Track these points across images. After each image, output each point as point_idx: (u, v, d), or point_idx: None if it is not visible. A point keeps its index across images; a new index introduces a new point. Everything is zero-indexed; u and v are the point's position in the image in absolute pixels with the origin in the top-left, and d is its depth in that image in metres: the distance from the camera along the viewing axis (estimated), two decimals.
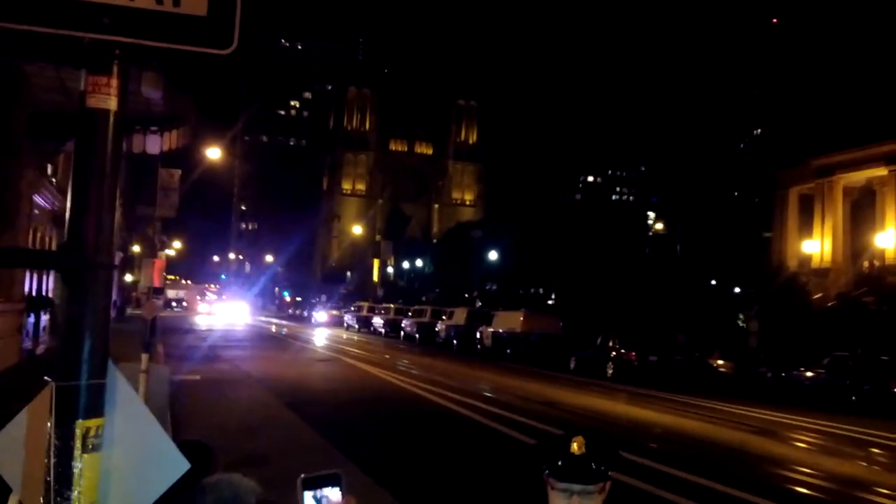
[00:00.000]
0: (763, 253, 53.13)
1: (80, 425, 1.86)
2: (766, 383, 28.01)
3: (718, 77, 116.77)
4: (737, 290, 52.16)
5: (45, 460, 1.87)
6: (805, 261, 46.84)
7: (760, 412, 21.24)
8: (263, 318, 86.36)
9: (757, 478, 12.33)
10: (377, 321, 59.23)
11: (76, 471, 1.85)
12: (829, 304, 39.60)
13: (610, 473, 2.54)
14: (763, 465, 13.71)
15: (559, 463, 2.48)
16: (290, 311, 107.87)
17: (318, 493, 1.56)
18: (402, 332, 52.85)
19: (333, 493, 1.57)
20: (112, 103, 1.96)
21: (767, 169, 61.01)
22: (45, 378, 1.90)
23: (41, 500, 1.88)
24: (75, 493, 1.86)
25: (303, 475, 1.56)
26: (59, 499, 1.84)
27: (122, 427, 1.97)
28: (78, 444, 1.86)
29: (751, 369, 29.79)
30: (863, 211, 44.69)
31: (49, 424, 1.88)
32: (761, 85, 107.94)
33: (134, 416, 2.01)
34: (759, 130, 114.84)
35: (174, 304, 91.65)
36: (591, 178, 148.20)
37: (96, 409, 1.90)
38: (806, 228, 47.50)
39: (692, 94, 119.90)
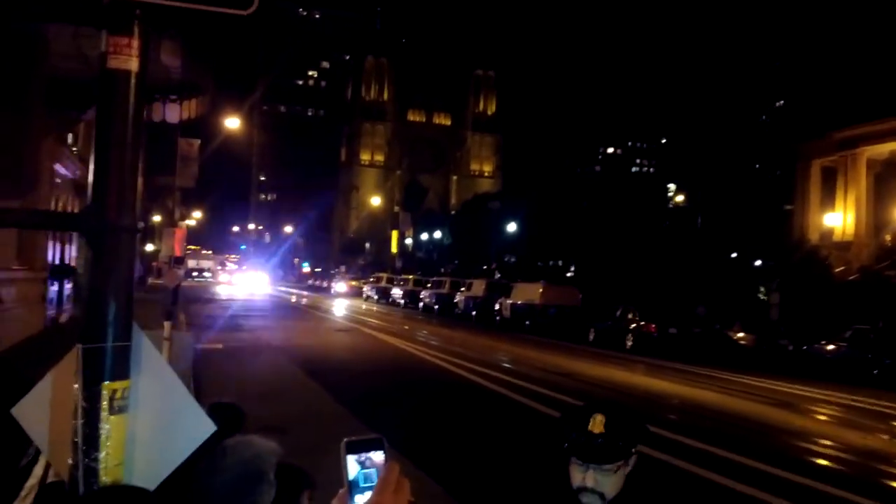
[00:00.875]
0: (784, 226, 52.74)
1: (107, 387, 1.87)
2: (786, 356, 27.91)
3: (740, 47, 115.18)
4: (757, 262, 51.84)
5: (73, 422, 1.88)
6: (827, 234, 46.45)
7: (781, 385, 21.19)
8: (283, 289, 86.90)
9: (776, 449, 12.32)
10: (396, 292, 59.41)
11: (103, 432, 1.86)
12: (851, 278, 39.31)
13: (635, 449, 2.52)
14: (783, 436, 13.69)
15: (579, 440, 2.47)
16: (309, 281, 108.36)
17: (362, 456, 1.55)
18: (420, 304, 53.01)
19: (377, 457, 1.55)
20: (133, 64, 1.94)
21: (789, 141, 60.31)
22: (77, 345, 1.90)
23: (69, 461, 1.89)
24: (102, 454, 1.86)
25: (346, 439, 1.55)
26: (86, 460, 1.85)
27: (147, 389, 1.98)
28: (104, 405, 1.86)
29: (771, 342, 29.65)
30: (886, 184, 44.19)
31: (76, 386, 1.88)
32: (783, 56, 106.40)
33: (159, 378, 2.02)
34: (780, 102, 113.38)
35: (195, 273, 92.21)
36: (610, 150, 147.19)
37: (122, 371, 1.90)
38: (828, 201, 47.05)
39: (713, 65, 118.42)
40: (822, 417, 16.88)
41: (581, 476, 2.47)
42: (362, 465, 1.54)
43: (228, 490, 2.20)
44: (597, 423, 2.45)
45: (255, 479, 2.25)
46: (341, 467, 1.54)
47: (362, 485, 1.52)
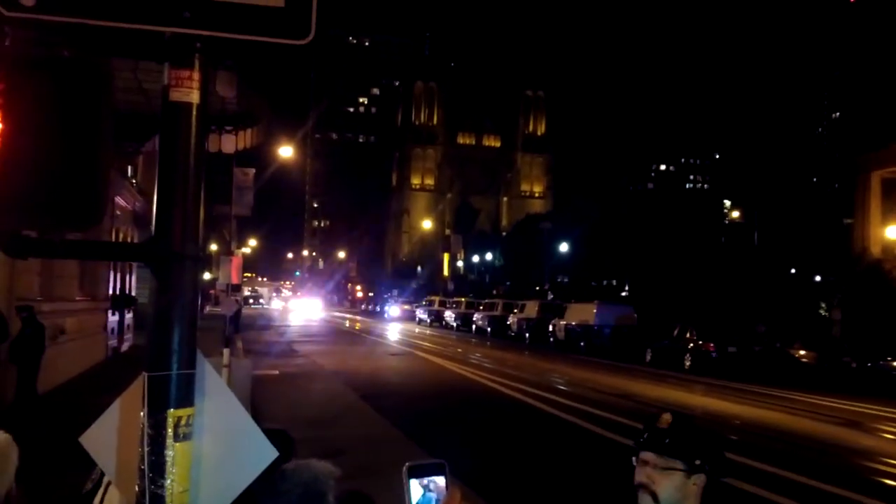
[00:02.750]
0: (844, 240, 51.42)
1: (172, 414, 1.89)
2: (850, 374, 27.11)
3: (795, 60, 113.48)
4: (817, 278, 50.68)
5: (139, 449, 1.91)
6: (889, 247, 45.16)
7: (845, 403, 20.59)
8: (337, 314, 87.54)
9: (846, 470, 11.95)
10: (448, 315, 59.40)
11: (169, 459, 1.89)
12: None
13: (704, 467, 2.48)
14: (851, 457, 13.28)
15: (644, 435, 2.49)
16: (362, 306, 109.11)
17: (424, 480, 1.55)
18: (473, 326, 52.89)
19: (439, 482, 1.55)
20: (195, 96, 1.99)
21: (848, 153, 59.06)
22: (143, 372, 1.93)
23: (136, 488, 1.91)
24: (168, 480, 1.89)
25: (408, 463, 1.55)
26: (153, 486, 1.87)
27: (211, 416, 2.00)
28: (170, 432, 1.89)
29: (834, 359, 28.84)
30: None
31: (142, 414, 1.91)
32: (840, 66, 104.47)
33: (223, 406, 2.04)
34: (837, 114, 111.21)
35: (251, 300, 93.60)
36: (663, 167, 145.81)
37: (187, 398, 1.93)
38: (889, 214, 45.77)
39: (768, 78, 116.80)
40: (891, 436, 16.33)
41: (638, 472, 2.46)
42: (425, 488, 1.54)
43: None
44: (663, 420, 2.47)
45: (316, 501, 2.26)
46: (404, 491, 1.54)
47: None
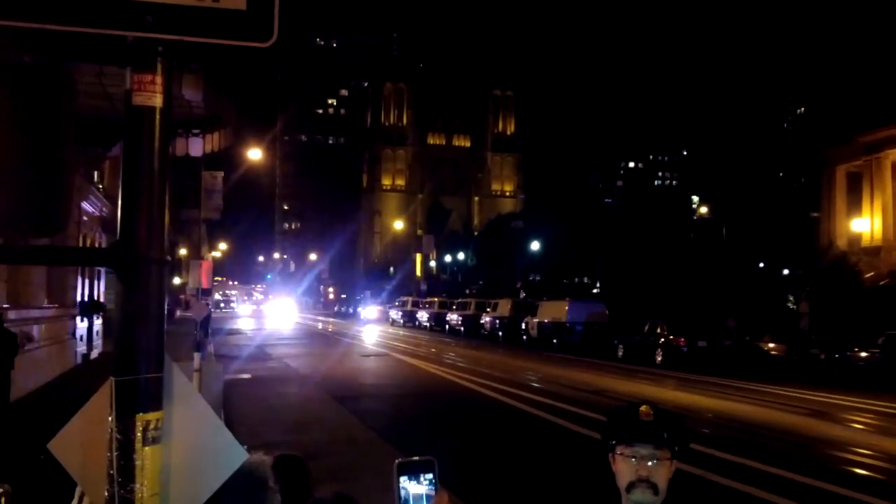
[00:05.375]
0: (811, 233, 52.16)
1: (141, 419, 1.89)
2: (819, 365, 27.49)
3: (760, 56, 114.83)
4: (785, 271, 51.31)
5: (108, 454, 1.91)
6: (855, 239, 45.87)
7: (814, 394, 20.89)
8: (310, 316, 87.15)
9: (814, 460, 12.13)
10: (422, 315, 59.39)
11: (138, 463, 1.88)
12: (882, 283, 38.76)
13: (680, 449, 2.51)
14: (820, 447, 13.48)
15: (627, 429, 2.47)
16: (335, 308, 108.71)
17: (413, 477, 1.56)
18: (446, 326, 52.93)
19: (426, 479, 1.56)
20: (157, 100, 1.99)
21: (813, 148, 59.86)
22: (110, 377, 1.93)
23: (105, 493, 1.91)
24: (138, 484, 1.88)
25: (398, 460, 1.56)
26: (122, 491, 1.87)
27: (181, 419, 2.00)
28: (139, 436, 1.89)
29: (803, 351, 29.22)
30: None
31: (110, 419, 1.91)
32: (804, 62, 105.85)
33: (192, 409, 2.04)
34: (802, 109, 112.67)
35: (222, 304, 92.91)
36: (632, 164, 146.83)
37: (155, 402, 1.93)
38: (855, 207, 46.48)
39: (733, 75, 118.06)
40: (859, 426, 16.60)
41: (633, 469, 2.45)
42: (414, 485, 1.55)
43: None
44: (645, 412, 2.47)
45: (260, 490, 2.26)
46: (394, 488, 1.55)
47: None
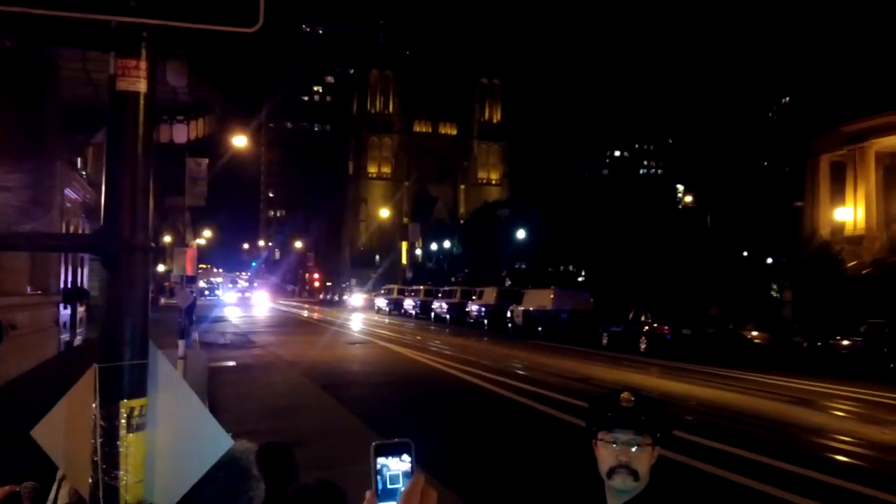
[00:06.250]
0: (795, 222, 52.45)
1: (125, 405, 1.89)
2: (801, 353, 27.75)
3: (746, 45, 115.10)
4: (769, 260, 51.64)
5: (92, 441, 1.90)
6: (838, 228, 46.17)
7: (797, 382, 21.08)
8: (295, 304, 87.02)
9: (796, 447, 12.25)
10: (408, 304, 59.43)
11: (122, 450, 1.88)
12: (864, 272, 39.07)
13: (662, 435, 2.53)
14: (801, 434, 13.62)
15: (608, 415, 2.49)
16: (320, 296, 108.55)
17: (390, 459, 1.57)
18: (432, 314, 52.99)
19: (405, 461, 1.58)
20: (142, 86, 1.97)
21: (797, 137, 60.07)
22: (94, 364, 1.92)
23: (89, 480, 1.91)
24: (122, 471, 1.88)
25: (375, 442, 1.57)
26: (106, 478, 1.87)
27: (165, 406, 2.00)
28: (123, 423, 1.88)
29: (786, 340, 29.48)
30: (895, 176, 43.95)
31: (94, 406, 1.90)
32: (789, 51, 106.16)
33: (177, 395, 2.04)
34: (787, 98, 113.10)
35: (206, 292, 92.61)
36: (617, 153, 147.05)
37: (139, 389, 1.92)
38: (838, 196, 46.76)
39: (718, 64, 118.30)
40: (840, 413, 16.77)
41: (614, 455, 2.47)
42: (389, 468, 1.56)
43: (222, 498, 2.20)
44: (626, 398, 2.49)
45: (242, 479, 2.26)
46: (371, 470, 1.55)
47: (389, 487, 1.54)
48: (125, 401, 1.89)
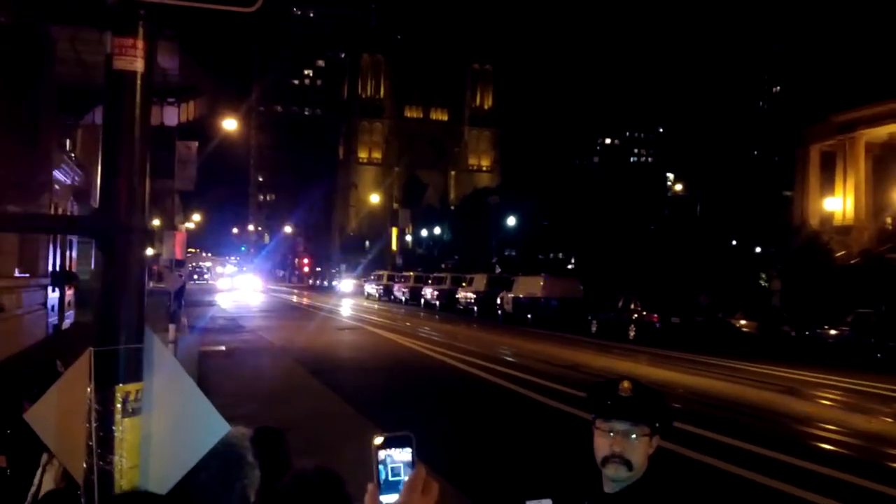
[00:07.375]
0: (784, 211, 52.70)
1: (120, 389, 1.87)
2: (790, 342, 27.89)
3: (736, 34, 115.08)
4: (758, 249, 51.84)
5: (86, 425, 1.88)
6: (827, 218, 46.41)
7: (785, 371, 21.18)
8: (284, 289, 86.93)
9: (783, 436, 12.32)
10: (398, 289, 59.41)
11: (117, 434, 1.86)
12: (853, 262, 39.29)
13: (660, 425, 2.52)
14: (789, 423, 13.69)
15: (607, 403, 2.48)
16: (310, 281, 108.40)
17: (391, 452, 1.56)
18: (422, 300, 52.99)
19: (406, 454, 1.57)
20: (139, 65, 1.94)
21: (788, 127, 60.26)
22: (89, 348, 1.89)
23: (84, 465, 1.88)
24: (117, 456, 1.86)
25: (376, 435, 1.56)
26: (101, 462, 1.85)
27: (161, 390, 1.98)
28: (118, 407, 1.86)
29: (774, 329, 29.63)
30: (885, 166, 44.13)
31: (89, 390, 1.88)
32: (781, 41, 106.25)
33: (173, 380, 2.01)
34: (778, 88, 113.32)
35: (195, 276, 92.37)
36: (608, 141, 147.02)
37: (135, 373, 1.90)
38: (828, 186, 46.98)
39: (710, 52, 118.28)
40: (827, 402, 16.87)
41: (608, 444, 2.46)
42: (392, 460, 1.55)
43: (216, 485, 2.18)
44: (625, 388, 2.47)
45: (237, 465, 2.24)
46: (373, 462, 1.55)
47: (391, 479, 1.53)
48: (121, 385, 1.87)
